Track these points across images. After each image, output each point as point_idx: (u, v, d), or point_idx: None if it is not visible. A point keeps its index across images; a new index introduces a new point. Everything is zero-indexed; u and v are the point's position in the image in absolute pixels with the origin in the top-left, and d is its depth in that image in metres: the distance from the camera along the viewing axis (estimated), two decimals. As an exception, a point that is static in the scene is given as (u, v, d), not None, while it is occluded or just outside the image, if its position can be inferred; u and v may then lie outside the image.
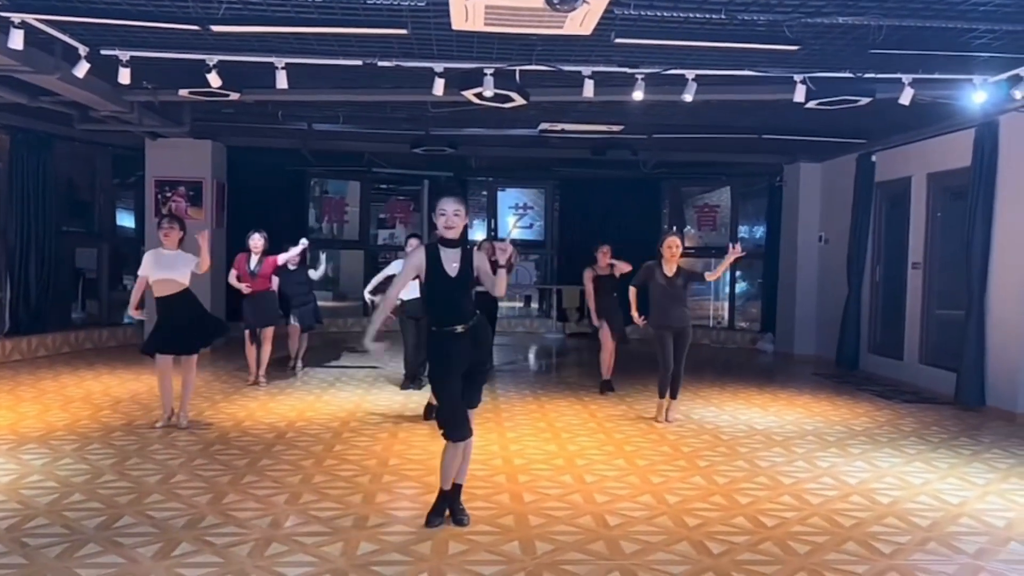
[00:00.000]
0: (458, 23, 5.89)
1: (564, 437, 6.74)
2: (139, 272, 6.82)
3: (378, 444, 6.32)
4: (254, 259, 9.14)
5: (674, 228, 7.84)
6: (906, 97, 7.24)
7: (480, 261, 4.52)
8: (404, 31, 5.76)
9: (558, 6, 4.97)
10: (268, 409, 7.63)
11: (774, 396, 8.99)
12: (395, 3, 5.48)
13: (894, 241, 10.53)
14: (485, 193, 16.25)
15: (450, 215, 4.36)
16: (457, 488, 4.55)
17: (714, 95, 7.88)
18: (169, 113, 9.91)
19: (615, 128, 10.34)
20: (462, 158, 13.05)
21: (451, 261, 4.38)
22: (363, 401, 8.13)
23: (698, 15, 5.60)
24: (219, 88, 7.70)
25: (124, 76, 7.08)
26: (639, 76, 7.25)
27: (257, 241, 9.19)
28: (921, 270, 9.78)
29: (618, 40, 5.92)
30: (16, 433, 6.44)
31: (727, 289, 15.02)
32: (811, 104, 7.65)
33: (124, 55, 6.97)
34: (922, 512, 4.92)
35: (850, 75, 7.18)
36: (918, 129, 9.67)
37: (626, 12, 5.61)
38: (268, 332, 9.17)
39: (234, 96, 8.18)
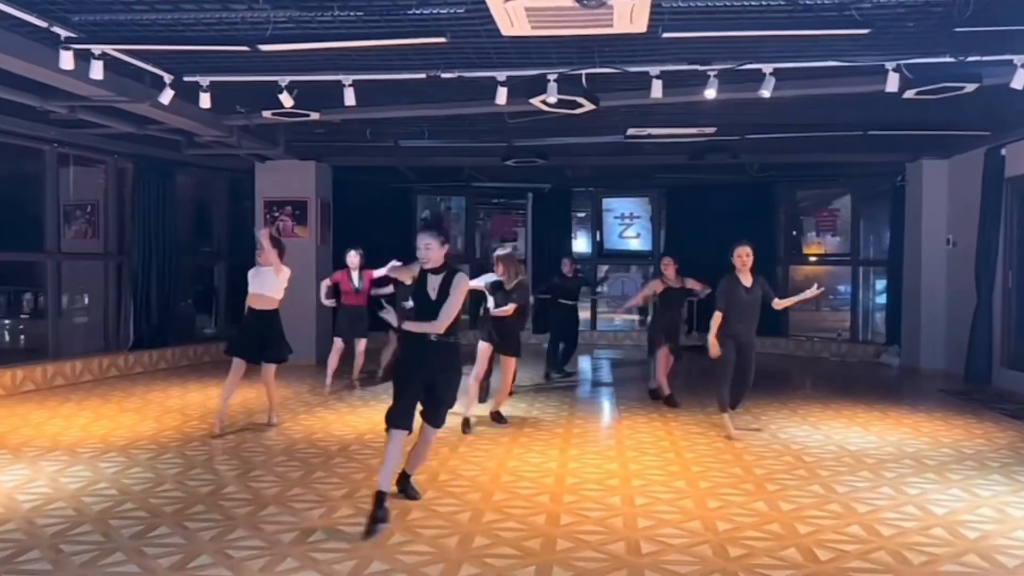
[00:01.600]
0: (506, 29, 5.73)
1: (629, 455, 6.41)
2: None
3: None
4: (355, 275, 9.63)
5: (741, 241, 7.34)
6: (1019, 81, 6.48)
7: (463, 290, 4.87)
8: (443, 39, 5.67)
9: (587, 3, 4.74)
10: (344, 421, 7.72)
11: (883, 414, 8.24)
12: (435, 12, 5.43)
13: (1027, 242, 9.48)
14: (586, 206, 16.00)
15: (422, 248, 4.89)
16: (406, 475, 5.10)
17: (797, 90, 7.35)
18: (265, 135, 10.31)
19: (707, 130, 9.86)
20: (559, 168, 12.86)
21: (433, 285, 4.88)
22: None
23: (755, 2, 5.22)
24: (298, 109, 8.01)
25: (205, 101, 7.42)
26: (711, 73, 6.86)
27: (353, 258, 9.70)
28: (1057, 274, 8.75)
29: (666, 35, 5.58)
30: (104, 442, 6.80)
31: (851, 299, 14.05)
32: (910, 94, 6.97)
33: (204, 80, 7.31)
34: (1013, 550, 4.30)
35: (950, 59, 6.52)
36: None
37: (674, 5, 5.32)
38: (361, 344, 9.74)
39: (314, 116, 8.42)
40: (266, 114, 8.28)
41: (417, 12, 5.42)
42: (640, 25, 5.61)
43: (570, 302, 11.24)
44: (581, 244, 16.48)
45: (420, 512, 4.89)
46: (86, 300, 12.40)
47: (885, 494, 5.32)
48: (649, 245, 15.89)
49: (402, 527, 4.60)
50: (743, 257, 7.23)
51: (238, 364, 7.32)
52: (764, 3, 5.25)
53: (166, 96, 7.29)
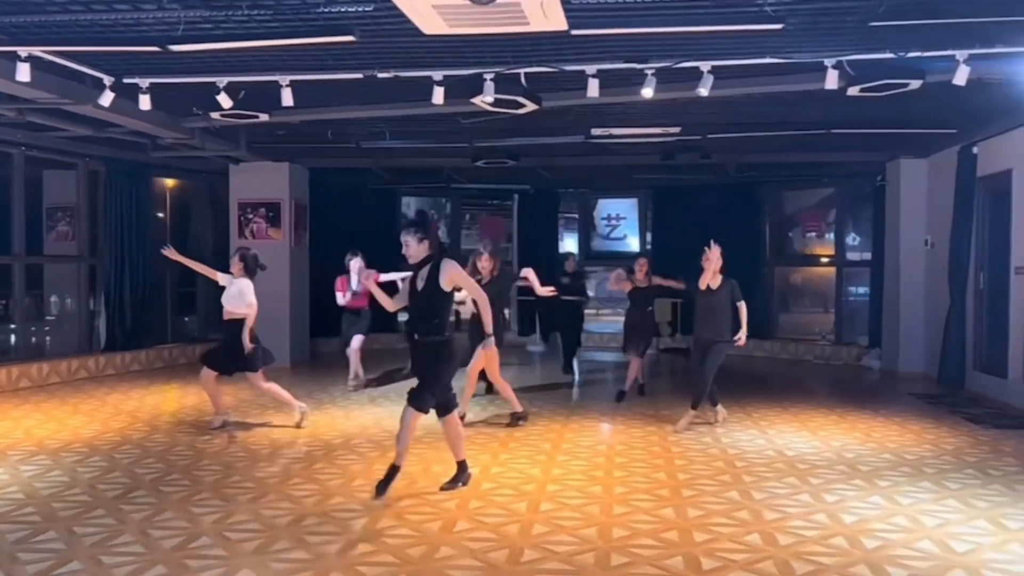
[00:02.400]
0: (425, 27, 5.68)
1: (560, 459, 6.29)
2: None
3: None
4: (353, 279, 9.85)
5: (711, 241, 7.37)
6: (961, 77, 6.31)
7: (453, 275, 5.22)
8: (351, 37, 5.60)
9: (478, 0, 4.66)
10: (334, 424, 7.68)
11: (840, 418, 8.05)
12: (344, 11, 5.37)
13: (998, 243, 9.24)
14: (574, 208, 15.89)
15: (403, 247, 5.29)
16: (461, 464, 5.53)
17: (742, 88, 7.23)
18: (228, 137, 10.31)
19: (672, 130, 9.72)
20: (532, 169, 12.73)
21: (422, 278, 5.25)
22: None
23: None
24: (246, 111, 7.99)
25: (144, 103, 7.39)
26: (648, 71, 6.75)
27: (354, 263, 9.96)
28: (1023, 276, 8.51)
29: (575, 32, 5.47)
30: (39, 444, 6.80)
31: (835, 301, 13.82)
32: (854, 91, 6.81)
33: (144, 82, 7.30)
34: (908, 560, 4.14)
35: (891, 55, 6.36)
36: (1019, 113, 8.44)
37: (584, 2, 5.21)
38: (356, 342, 10.08)
39: (264, 117, 8.37)
40: (214, 115, 8.24)
41: (325, 11, 5.36)
42: (557, 22, 5.53)
43: (574, 299, 11.34)
44: (569, 245, 16.36)
45: (390, 520, 4.79)
46: (68, 303, 12.50)
47: (801, 501, 5.17)
48: (637, 246, 15.72)
49: (372, 534, 4.53)
50: (709, 258, 7.27)
51: (205, 372, 7.47)
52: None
53: (106, 98, 7.28)
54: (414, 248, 5.24)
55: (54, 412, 8.31)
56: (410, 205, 16.08)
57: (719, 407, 7.71)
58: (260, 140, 10.65)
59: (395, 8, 5.27)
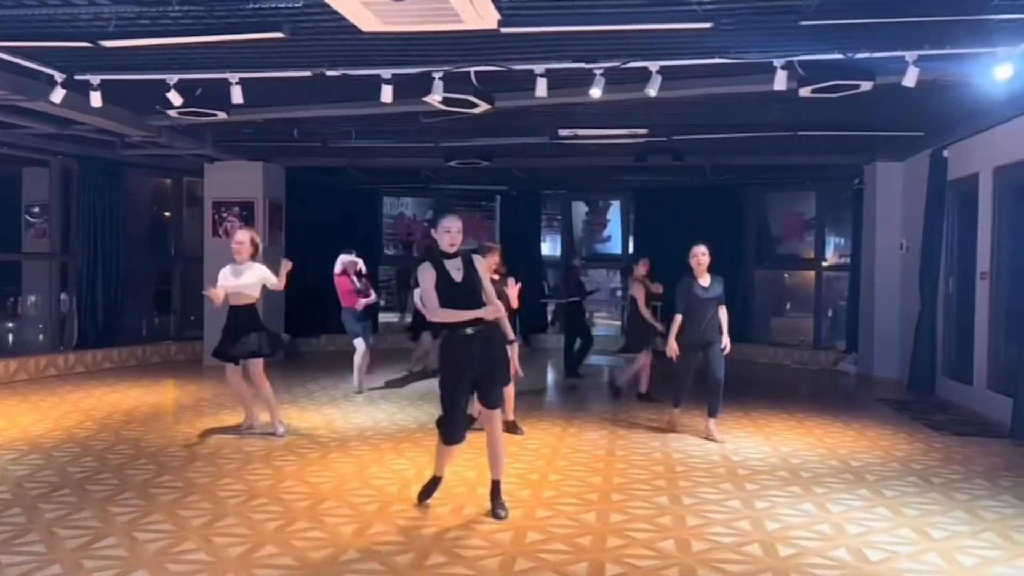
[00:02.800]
0: (362, 24, 5.63)
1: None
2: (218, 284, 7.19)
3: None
4: (354, 279, 9.75)
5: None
6: (911, 78, 6.22)
7: (481, 267, 4.97)
8: (280, 34, 5.55)
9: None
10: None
11: (799, 423, 7.96)
12: (273, 7, 5.31)
13: (966, 248, 9.12)
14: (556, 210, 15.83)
15: (454, 233, 4.85)
16: (494, 484, 4.95)
17: (691, 89, 7.16)
18: (195, 135, 10.29)
19: (640, 131, 9.65)
20: (506, 170, 12.67)
21: (454, 268, 4.87)
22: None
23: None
24: (200, 109, 7.97)
25: (95, 99, 7.37)
26: (597, 72, 6.68)
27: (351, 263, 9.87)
28: (988, 280, 8.39)
29: (504, 30, 5.40)
30: (-18, 441, 6.78)
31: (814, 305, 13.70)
32: (805, 92, 6.73)
33: (95, 79, 7.27)
34: (819, 570, 4.05)
35: (840, 56, 6.28)
36: (985, 115, 8.33)
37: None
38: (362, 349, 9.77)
39: (221, 115, 8.34)
40: (171, 113, 8.20)
41: (256, 7, 5.32)
42: (490, 21, 5.47)
43: (583, 299, 11.55)
44: (548, 248, 16.29)
45: (382, 526, 4.70)
46: (41, 301, 12.49)
47: (729, 507, 5.09)
48: (618, 249, 15.65)
49: (364, 543, 4.41)
50: (699, 257, 7.27)
51: (231, 370, 7.21)
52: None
53: (57, 95, 7.27)
54: (459, 235, 4.88)
55: (10, 409, 8.29)
56: (392, 205, 16.06)
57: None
58: (228, 139, 10.64)
59: (325, 4, 5.22)
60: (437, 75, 6.84)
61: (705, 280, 7.34)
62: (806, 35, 5.86)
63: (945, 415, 8.52)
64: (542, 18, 5.37)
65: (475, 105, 7.37)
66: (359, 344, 9.65)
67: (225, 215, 12.36)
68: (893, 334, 11.05)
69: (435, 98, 7.02)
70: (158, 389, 9.85)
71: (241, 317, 7.13)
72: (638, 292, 9.44)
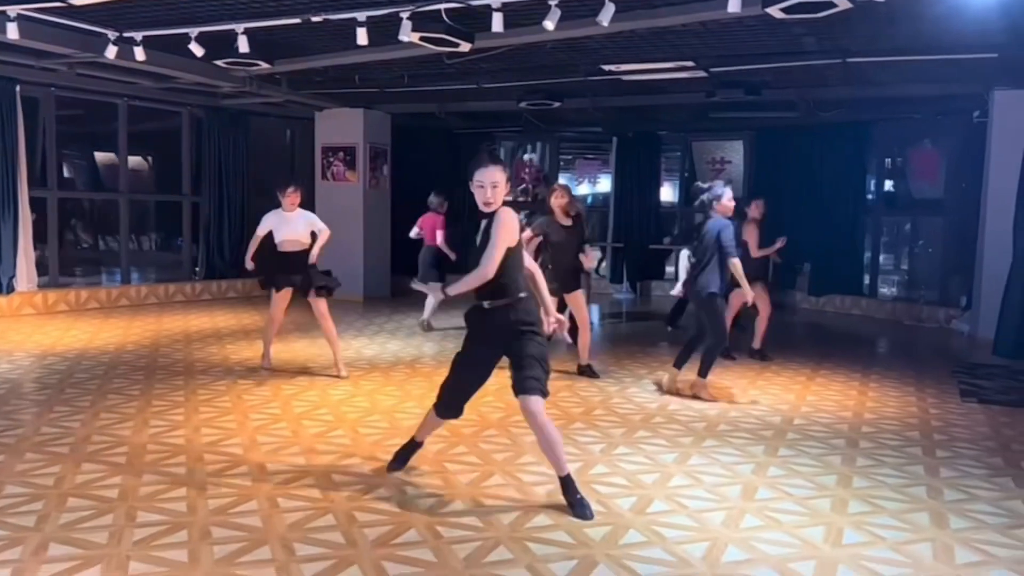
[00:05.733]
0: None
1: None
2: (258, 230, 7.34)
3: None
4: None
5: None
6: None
7: (498, 226, 3.91)
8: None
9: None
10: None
11: (826, 383, 7.24)
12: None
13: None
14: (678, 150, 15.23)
15: (488, 188, 3.92)
16: (564, 480, 4.00)
17: (647, 21, 6.72)
18: (276, 84, 11.13)
19: (686, 64, 9.10)
20: (584, 110, 12.37)
21: (483, 231, 4.04)
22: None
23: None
24: (250, 59, 8.67)
25: (139, 54, 8.29)
26: (552, 2, 6.48)
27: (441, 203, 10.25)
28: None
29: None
30: (41, 347, 8.07)
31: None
32: (776, 12, 6.10)
33: (137, 35, 8.19)
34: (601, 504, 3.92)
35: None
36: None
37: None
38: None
39: (265, 66, 9.05)
40: (219, 63, 9.01)
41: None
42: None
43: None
44: (667, 193, 15.75)
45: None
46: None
47: (598, 453, 4.95)
48: (740, 192, 14.77)
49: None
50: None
51: (278, 297, 7.17)
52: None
53: (111, 51, 8.28)
54: (494, 190, 3.94)
55: (97, 326, 9.62)
56: (507, 150, 16.26)
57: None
58: (297, 85, 11.28)
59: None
60: (404, 15, 6.98)
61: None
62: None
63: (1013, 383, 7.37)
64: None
65: (455, 44, 7.42)
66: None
67: (332, 160, 13.29)
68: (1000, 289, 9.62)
69: (412, 36, 7.16)
70: (239, 315, 10.92)
71: (296, 261, 7.10)
72: (750, 235, 8.35)
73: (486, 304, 4.01)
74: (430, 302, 9.76)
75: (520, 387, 3.92)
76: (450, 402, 4.28)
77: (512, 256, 3.96)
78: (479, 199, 3.96)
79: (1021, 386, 7.26)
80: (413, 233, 10.37)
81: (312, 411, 5.85)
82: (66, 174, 17.26)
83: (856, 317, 12.47)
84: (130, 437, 5.08)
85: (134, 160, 14.60)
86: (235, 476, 4.39)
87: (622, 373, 7.52)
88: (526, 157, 16.59)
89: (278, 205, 7.24)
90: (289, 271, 7.12)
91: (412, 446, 4.54)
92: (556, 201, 7.31)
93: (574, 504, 3.94)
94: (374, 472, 4.51)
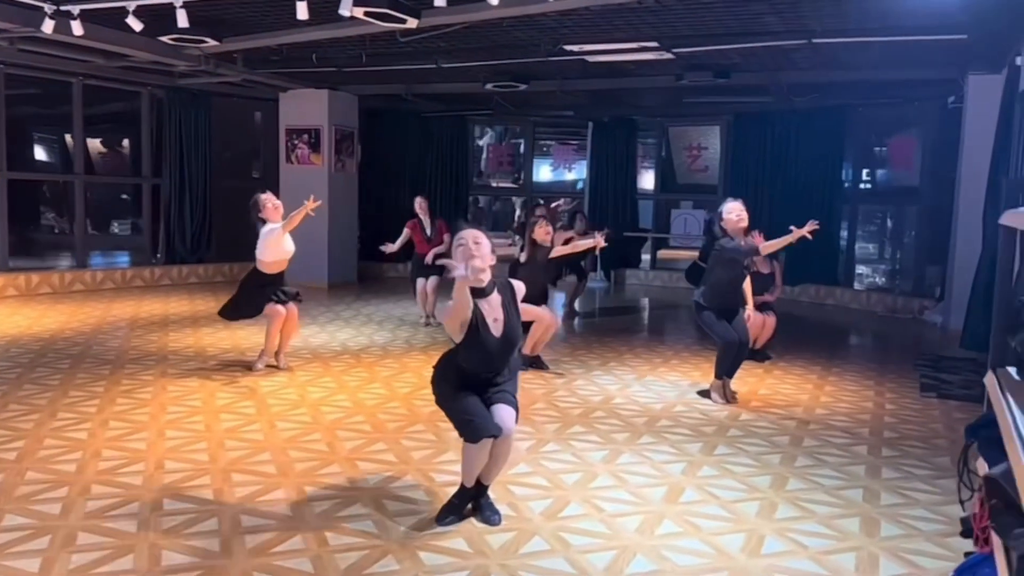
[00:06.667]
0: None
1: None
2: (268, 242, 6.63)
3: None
4: (426, 222, 9.27)
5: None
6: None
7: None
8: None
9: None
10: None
11: (818, 379, 6.96)
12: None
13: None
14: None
15: (470, 248, 3.50)
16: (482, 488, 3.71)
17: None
18: (230, 63, 10.78)
19: (649, 45, 8.80)
20: (551, 94, 12.06)
21: (492, 313, 3.65)
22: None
23: None
24: (195, 35, 8.35)
25: (77, 28, 7.94)
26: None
27: (422, 204, 9.40)
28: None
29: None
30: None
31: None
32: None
33: (75, 8, 7.84)
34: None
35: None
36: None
37: None
38: (432, 283, 9.12)
39: (213, 43, 8.71)
40: (164, 39, 8.67)
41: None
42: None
43: None
44: (647, 180, 15.46)
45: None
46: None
47: (552, 455, 4.68)
48: (714, 179, 14.50)
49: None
50: (741, 214, 5.90)
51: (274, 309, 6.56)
52: None
53: (47, 25, 7.93)
54: (488, 259, 3.54)
55: (42, 312, 9.31)
56: (485, 132, 15.94)
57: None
58: (253, 64, 10.92)
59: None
60: (345, -12, 6.67)
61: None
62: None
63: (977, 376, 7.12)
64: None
65: (402, 20, 7.10)
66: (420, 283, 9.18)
67: (296, 142, 12.94)
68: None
69: (355, 12, 6.86)
70: (195, 302, 10.61)
71: (281, 276, 6.74)
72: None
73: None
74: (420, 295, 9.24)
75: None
76: (472, 419, 3.54)
77: None
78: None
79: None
80: (397, 244, 9.17)
81: (234, 404, 5.58)
82: (45, 157, 16.98)
83: (830, 307, 12.23)
84: (31, 430, 4.79)
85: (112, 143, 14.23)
86: (127, 475, 4.11)
87: (573, 364, 7.26)
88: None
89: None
90: (276, 285, 6.66)
91: (464, 494, 3.72)
92: (541, 233, 6.88)
93: (480, 508, 3.68)
94: (278, 471, 4.24)
